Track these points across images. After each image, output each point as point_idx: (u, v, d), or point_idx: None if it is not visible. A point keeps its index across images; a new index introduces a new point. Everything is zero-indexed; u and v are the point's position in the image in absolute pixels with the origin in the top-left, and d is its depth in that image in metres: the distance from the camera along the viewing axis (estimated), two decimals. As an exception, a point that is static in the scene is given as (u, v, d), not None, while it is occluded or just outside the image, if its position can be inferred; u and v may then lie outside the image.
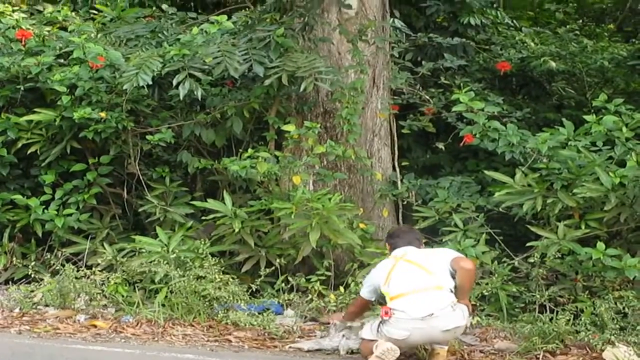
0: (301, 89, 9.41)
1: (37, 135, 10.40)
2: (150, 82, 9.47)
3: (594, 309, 8.05)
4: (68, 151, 10.37)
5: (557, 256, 8.58)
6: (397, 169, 10.67)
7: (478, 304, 8.56)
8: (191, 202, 10.09)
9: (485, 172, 9.80)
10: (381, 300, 7.32)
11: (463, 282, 7.04)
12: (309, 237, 8.86)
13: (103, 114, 9.85)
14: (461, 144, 9.78)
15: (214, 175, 10.51)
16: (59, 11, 12.57)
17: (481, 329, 8.27)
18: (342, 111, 9.75)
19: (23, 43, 10.68)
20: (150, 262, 9.05)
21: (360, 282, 8.32)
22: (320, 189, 9.67)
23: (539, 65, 13.01)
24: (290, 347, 7.96)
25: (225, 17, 9.95)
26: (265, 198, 9.60)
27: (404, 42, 12.30)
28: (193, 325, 8.54)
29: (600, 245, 8.38)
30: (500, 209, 9.36)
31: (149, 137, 10.04)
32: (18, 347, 7.73)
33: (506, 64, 12.51)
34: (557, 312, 8.09)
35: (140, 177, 10.30)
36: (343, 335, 7.85)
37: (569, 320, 7.88)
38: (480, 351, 7.82)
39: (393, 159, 10.75)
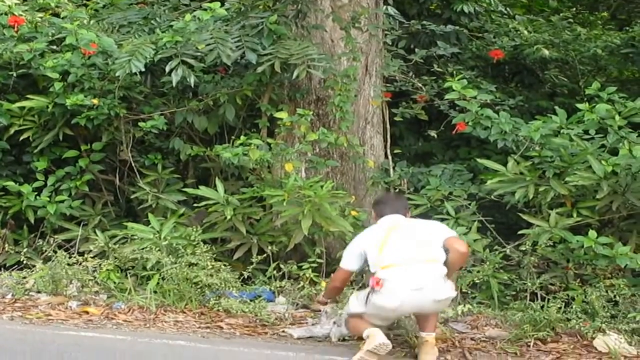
0: (294, 76, 9.42)
1: (29, 121, 10.38)
2: (143, 69, 9.47)
3: (585, 297, 8.06)
4: (60, 138, 10.36)
5: (548, 244, 8.59)
6: (390, 157, 10.67)
7: (469, 292, 8.58)
8: (183, 189, 10.10)
9: (478, 160, 9.82)
10: (366, 270, 7.29)
11: (454, 263, 6.97)
12: (301, 225, 8.86)
13: (95, 101, 9.84)
14: (453, 132, 9.77)
15: (206, 163, 10.52)
16: (51, -3, 12.55)
17: (472, 317, 8.28)
18: (335, 98, 9.74)
19: (15, 29, 10.64)
20: (142, 249, 9.04)
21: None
22: (312, 176, 9.67)
23: (532, 53, 13.02)
24: (283, 331, 7.98)
25: (218, 4, 9.90)
26: (258, 185, 9.60)
27: (397, 29, 12.29)
28: (185, 312, 8.54)
29: (592, 233, 8.39)
30: (492, 197, 9.36)
31: (141, 124, 10.03)
32: (10, 333, 7.73)
33: (499, 51, 12.51)
34: (548, 300, 8.09)
35: (133, 164, 10.29)
36: (334, 322, 7.85)
37: (560, 308, 7.89)
38: (472, 339, 7.83)
39: (385, 147, 10.75)
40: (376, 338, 6.80)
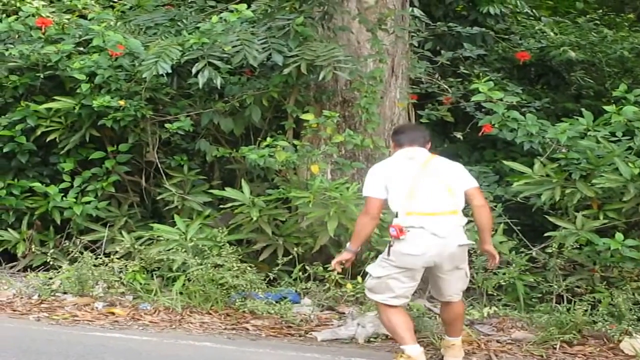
0: (320, 78, 9.42)
1: (56, 123, 10.45)
2: (170, 71, 9.52)
3: (612, 299, 8.03)
4: (87, 139, 10.43)
5: (575, 246, 8.56)
6: (415, 159, 10.65)
7: (495, 294, 8.56)
8: (209, 191, 10.14)
9: (504, 162, 9.79)
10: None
11: (483, 224, 6.85)
12: (327, 226, 8.86)
13: (122, 102, 9.89)
14: (480, 134, 9.76)
15: (231, 164, 10.55)
16: (78, -1, 12.63)
17: (498, 319, 8.27)
18: (361, 100, 9.73)
19: (43, 31, 10.72)
20: (168, 250, 9.08)
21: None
22: (338, 178, 9.68)
23: (558, 55, 12.96)
24: (308, 333, 7.99)
25: (244, 5, 9.94)
26: (283, 187, 9.61)
27: (423, 31, 12.26)
28: (210, 314, 8.57)
29: (619, 235, 8.36)
30: (519, 199, 9.34)
31: (167, 125, 10.07)
32: (37, 334, 7.78)
33: (525, 53, 12.48)
34: (575, 302, 8.07)
35: (159, 165, 10.33)
36: (358, 324, 7.86)
37: (586, 310, 7.87)
38: (497, 341, 7.81)
39: (411, 149, 10.72)
40: (412, 350, 6.66)
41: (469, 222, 6.94)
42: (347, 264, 7.17)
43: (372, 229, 7.00)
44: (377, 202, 6.76)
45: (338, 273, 8.66)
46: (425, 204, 6.61)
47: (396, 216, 6.67)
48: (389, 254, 6.69)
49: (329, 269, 8.22)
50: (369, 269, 6.92)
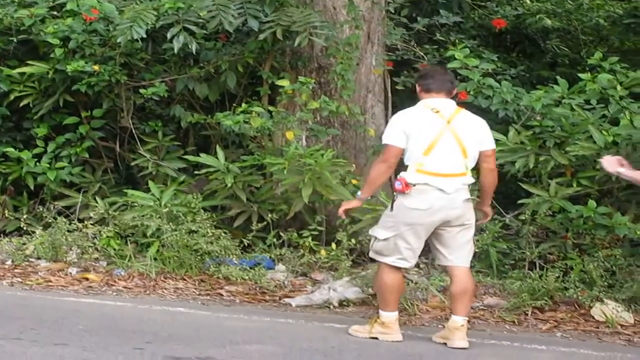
0: (295, 44, 9.39)
1: (29, 87, 10.35)
2: (144, 36, 9.47)
3: (583, 266, 8.10)
4: (61, 104, 10.35)
5: (548, 214, 8.61)
6: (391, 126, 10.64)
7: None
8: (184, 157, 10.11)
9: (478, 129, 9.79)
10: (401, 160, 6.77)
11: (488, 185, 6.91)
12: (301, 193, 8.86)
13: (96, 67, 9.82)
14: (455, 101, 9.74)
15: (206, 130, 10.52)
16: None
17: (471, 285, 8.31)
18: (337, 67, 9.69)
19: (16, -6, 10.62)
20: (143, 216, 9.06)
21: (351, 237, 8.43)
22: (313, 144, 9.66)
23: (534, 23, 12.96)
24: (282, 299, 8.04)
25: (220, -30, 9.89)
26: (258, 153, 9.59)
27: (400, -3, 12.23)
28: (185, 279, 8.58)
29: (592, 203, 8.43)
30: (493, 166, 9.35)
31: (142, 90, 10.01)
32: (10, 299, 7.78)
33: (501, 21, 12.45)
34: (547, 269, 8.15)
35: (133, 131, 10.29)
36: (329, 287, 7.91)
37: (558, 277, 7.95)
38: (470, 307, 7.85)
39: (386, 116, 10.69)
40: (394, 336, 6.68)
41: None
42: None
43: (387, 177, 6.91)
44: (396, 150, 6.62)
45: (312, 239, 8.73)
46: (439, 164, 6.52)
47: (406, 169, 6.60)
48: (392, 209, 6.62)
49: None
50: (372, 232, 6.80)
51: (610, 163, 6.72)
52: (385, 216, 6.73)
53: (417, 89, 6.90)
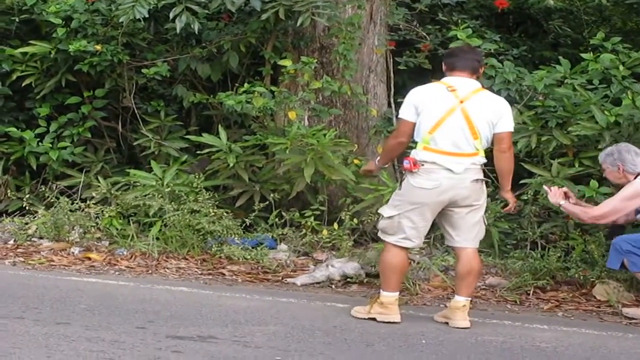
0: (298, 24, 9.35)
1: (31, 67, 10.35)
2: (147, 15, 9.41)
3: (585, 246, 8.12)
4: (63, 84, 10.36)
5: (550, 194, 8.61)
6: (393, 106, 10.60)
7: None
8: (186, 137, 10.12)
9: (481, 109, 9.78)
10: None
11: (502, 167, 6.78)
12: (304, 173, 8.87)
13: (99, 47, 9.82)
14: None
15: (208, 110, 10.52)
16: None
17: (473, 265, 8.32)
18: (339, 47, 9.68)
19: (18, -26, 10.60)
20: (145, 195, 9.09)
21: (353, 217, 8.43)
22: (315, 124, 9.65)
23: (537, 3, 12.87)
24: (284, 279, 8.07)
25: (223, -51, 9.86)
26: (260, 133, 9.59)
27: (402, -23, 12.19)
28: (187, 259, 8.61)
29: (593, 183, 8.42)
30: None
31: (144, 70, 10.02)
32: (13, 278, 7.79)
33: (504, 1, 12.38)
34: (548, 249, 8.17)
35: (135, 111, 10.31)
36: (327, 265, 7.95)
37: (559, 257, 7.97)
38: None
39: (389, 96, 10.71)
40: (392, 317, 6.63)
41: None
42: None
43: (401, 150, 6.89)
44: (408, 124, 6.62)
45: (314, 219, 8.75)
46: (447, 142, 6.49)
47: (415, 147, 6.59)
48: (400, 187, 6.65)
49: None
50: (381, 210, 6.81)
51: (554, 194, 7.26)
52: (395, 194, 6.75)
53: (443, 67, 6.86)
